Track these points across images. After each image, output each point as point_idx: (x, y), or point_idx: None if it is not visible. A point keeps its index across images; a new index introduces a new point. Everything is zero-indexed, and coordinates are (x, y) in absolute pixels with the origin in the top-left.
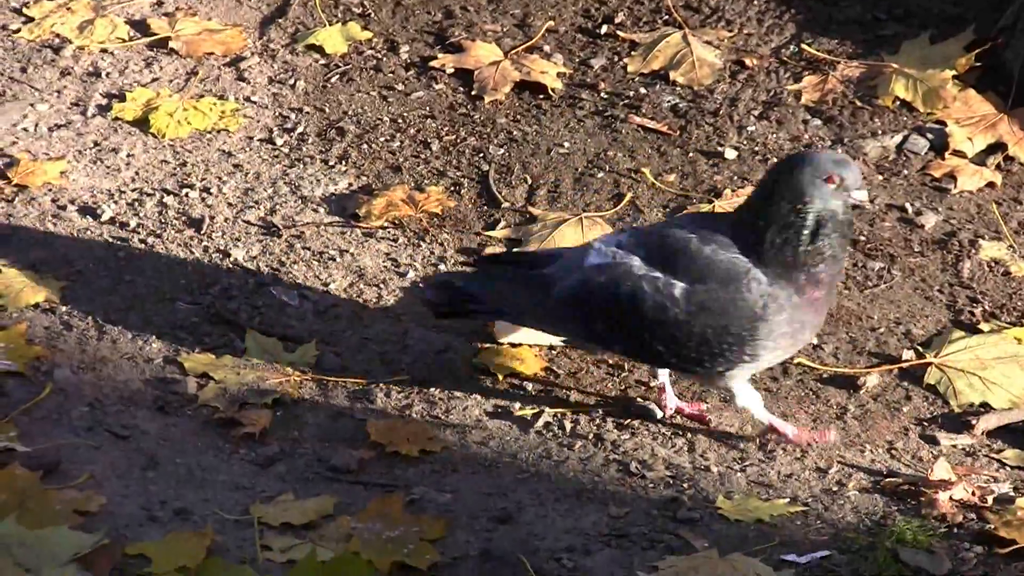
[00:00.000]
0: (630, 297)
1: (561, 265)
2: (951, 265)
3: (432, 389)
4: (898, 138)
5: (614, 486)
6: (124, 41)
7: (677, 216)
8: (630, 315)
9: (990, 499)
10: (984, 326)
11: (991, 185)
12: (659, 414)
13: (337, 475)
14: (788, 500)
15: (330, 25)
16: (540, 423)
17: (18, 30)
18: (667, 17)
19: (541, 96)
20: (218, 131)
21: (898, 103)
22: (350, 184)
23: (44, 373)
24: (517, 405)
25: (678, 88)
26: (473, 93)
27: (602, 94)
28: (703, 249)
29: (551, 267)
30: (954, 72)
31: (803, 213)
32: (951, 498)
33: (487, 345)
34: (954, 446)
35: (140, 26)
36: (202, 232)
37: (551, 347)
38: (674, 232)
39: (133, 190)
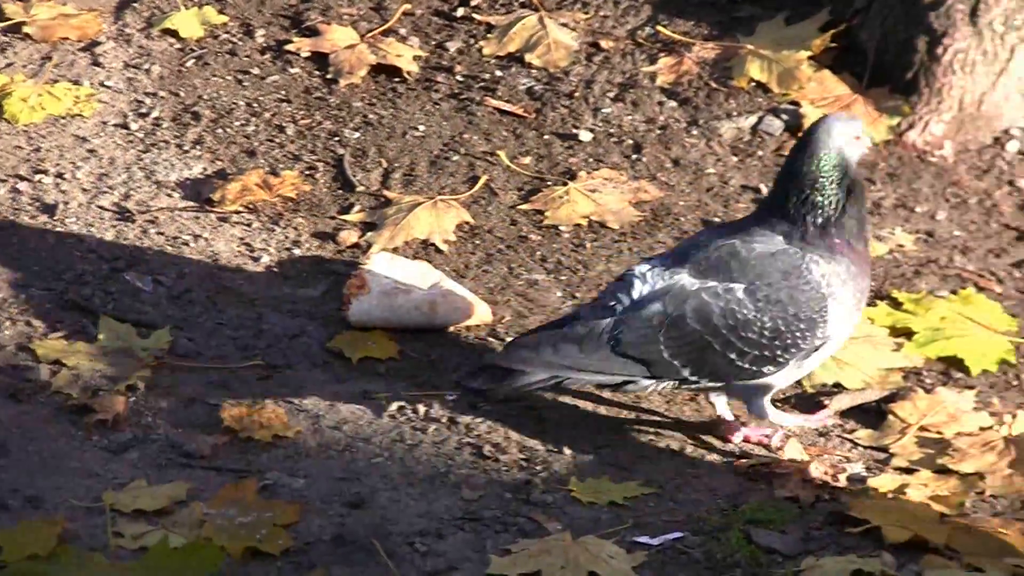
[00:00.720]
0: (697, 312)
1: (593, 311)
2: None
3: (286, 374)
4: (753, 119)
5: (467, 469)
6: None
7: (697, 233)
8: (698, 330)
9: (843, 479)
10: None
11: None
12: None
13: (190, 461)
14: (640, 482)
15: (185, 9)
16: (394, 407)
17: None
18: (520, 0)
19: (397, 79)
20: (72, 116)
21: (753, 84)
22: (204, 169)
23: None
24: (371, 389)
25: (534, 71)
26: (329, 77)
27: (458, 77)
28: (751, 247)
29: (584, 317)
30: (809, 53)
31: (824, 165)
32: (804, 478)
33: (341, 330)
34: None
35: None
36: (55, 218)
37: (406, 330)
38: (712, 242)
39: None
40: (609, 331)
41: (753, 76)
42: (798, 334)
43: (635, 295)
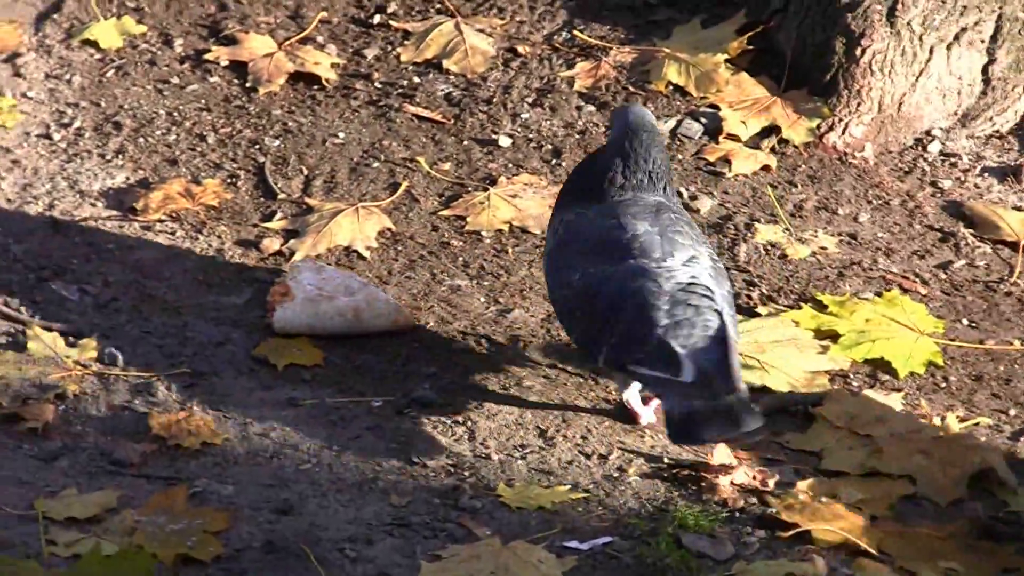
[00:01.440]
0: None
1: None
2: (728, 249)
3: (213, 381)
4: (672, 123)
5: (395, 475)
6: None
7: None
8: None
9: (771, 483)
10: (762, 309)
11: (766, 168)
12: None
13: (120, 469)
14: (569, 487)
15: (105, 20)
16: (320, 413)
17: None
18: (439, 6)
19: (316, 87)
20: None
21: (671, 88)
22: (127, 178)
23: None
24: (297, 396)
25: (452, 77)
26: (248, 85)
27: (376, 84)
28: None
29: None
30: (726, 56)
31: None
32: (732, 482)
33: (266, 337)
34: None
35: None
36: None
37: (331, 337)
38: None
39: None
40: None
41: (671, 79)
42: None
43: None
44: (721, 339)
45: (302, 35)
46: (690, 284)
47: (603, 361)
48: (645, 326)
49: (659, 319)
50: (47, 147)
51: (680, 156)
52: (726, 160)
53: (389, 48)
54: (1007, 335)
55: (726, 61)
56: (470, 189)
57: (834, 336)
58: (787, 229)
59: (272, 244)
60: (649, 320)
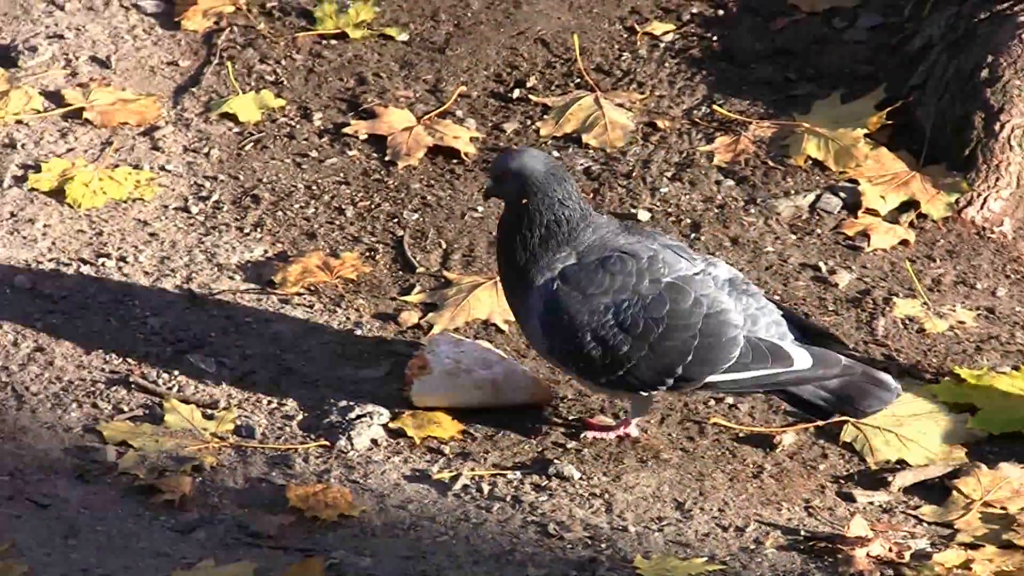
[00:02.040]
0: None
1: None
2: (865, 323)
3: (350, 454)
4: (811, 197)
5: (532, 548)
6: (39, 112)
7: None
8: None
9: (907, 555)
10: (900, 383)
11: (904, 243)
12: (576, 474)
13: (257, 540)
14: (706, 559)
15: (243, 93)
16: (458, 486)
17: None
18: (579, 80)
19: (455, 161)
20: (133, 200)
21: (810, 162)
22: (266, 251)
23: None
24: (435, 468)
25: (591, 151)
26: (387, 159)
27: None
28: None
29: None
30: (866, 131)
31: None
32: (868, 554)
33: (404, 410)
34: (871, 503)
35: (54, 97)
36: (119, 301)
37: (468, 410)
38: None
39: (50, 260)
40: None
41: (810, 154)
42: None
43: None
44: (792, 321)
45: (441, 109)
46: (732, 279)
47: (674, 383)
48: (727, 329)
49: (735, 319)
50: (185, 220)
51: (819, 230)
52: (865, 234)
53: (528, 122)
54: None
55: (865, 136)
56: None
57: (971, 409)
58: (925, 303)
59: (410, 317)
60: (728, 322)
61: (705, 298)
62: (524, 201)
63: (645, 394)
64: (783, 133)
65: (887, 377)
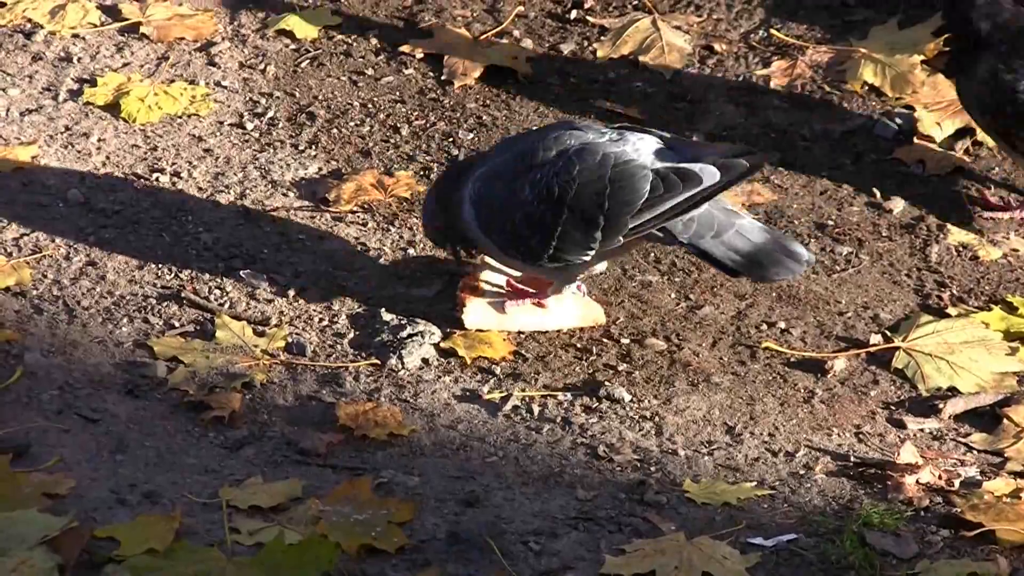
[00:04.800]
0: None
1: None
2: (919, 250)
3: (401, 373)
4: (866, 122)
5: (581, 469)
6: (95, 26)
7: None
8: None
9: (957, 483)
10: (952, 310)
11: (959, 170)
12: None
13: (306, 458)
14: (755, 483)
15: (300, 10)
16: (508, 407)
17: None
18: (636, 2)
19: (510, 81)
20: (189, 116)
21: (867, 88)
22: (320, 169)
23: (14, 357)
24: (485, 389)
25: (648, 73)
26: (443, 78)
27: (571, 79)
28: None
29: None
30: (923, 57)
31: None
32: (918, 482)
33: (455, 330)
34: (921, 430)
35: (111, 11)
36: (172, 216)
37: (519, 332)
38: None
39: (104, 174)
40: None
41: (867, 80)
42: None
43: None
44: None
45: (498, 29)
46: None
47: (602, 237)
48: (637, 170)
49: (643, 160)
50: (240, 136)
51: (874, 156)
52: (920, 161)
53: (585, 43)
54: None
55: (922, 62)
56: None
57: (1023, 338)
58: (979, 231)
59: None
60: (635, 164)
61: (612, 154)
62: None
63: (580, 262)
64: (840, 58)
65: (800, 248)
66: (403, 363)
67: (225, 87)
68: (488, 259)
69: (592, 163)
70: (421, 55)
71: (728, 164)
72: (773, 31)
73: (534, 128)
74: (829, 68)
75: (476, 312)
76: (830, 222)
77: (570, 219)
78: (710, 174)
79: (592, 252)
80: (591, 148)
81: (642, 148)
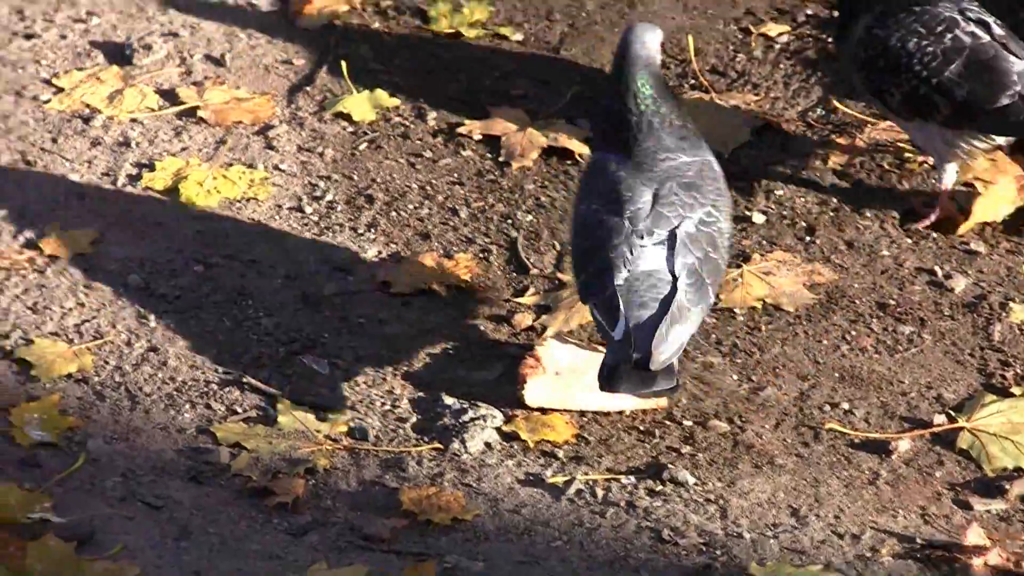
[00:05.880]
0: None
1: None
2: (982, 328)
3: (463, 457)
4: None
5: (647, 553)
6: (153, 111)
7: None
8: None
9: None
10: (1016, 389)
11: (1020, 248)
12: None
13: (370, 544)
14: (821, 567)
15: (358, 92)
16: (572, 490)
17: (48, 100)
18: (693, 81)
19: (568, 161)
20: (247, 200)
21: (926, 166)
22: (379, 252)
23: (77, 443)
24: (548, 472)
25: None
26: (501, 159)
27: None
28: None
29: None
30: None
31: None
32: (986, 563)
33: (517, 413)
34: (988, 511)
35: (169, 95)
36: (233, 301)
37: (581, 413)
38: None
39: (164, 259)
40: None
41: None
42: None
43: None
44: (663, 310)
45: (555, 109)
46: (652, 271)
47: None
48: (608, 278)
49: (618, 277)
50: (299, 220)
51: (934, 234)
52: (981, 239)
53: None
54: None
55: None
56: None
57: None
58: None
59: (524, 319)
60: (610, 275)
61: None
62: None
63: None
64: (899, 136)
65: (663, 380)
66: (466, 447)
67: (283, 170)
68: (548, 338)
69: None
70: (479, 136)
71: None
72: (836, 103)
73: None
74: (888, 145)
75: (538, 390)
76: (892, 301)
77: None
78: (620, 330)
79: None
80: None
81: None
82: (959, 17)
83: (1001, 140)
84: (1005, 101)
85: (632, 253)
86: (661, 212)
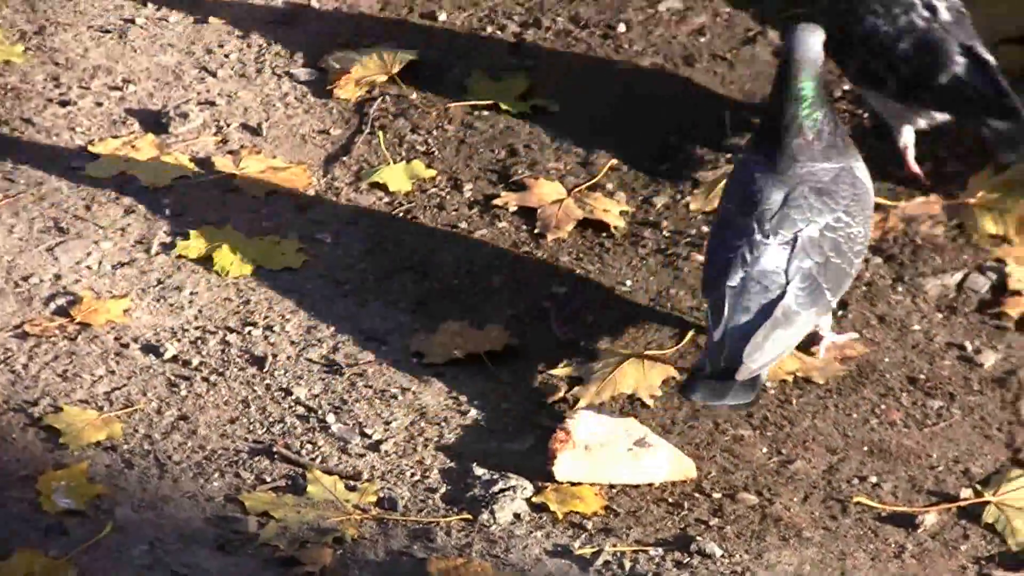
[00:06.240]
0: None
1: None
2: (1010, 404)
3: (492, 528)
4: (959, 276)
5: None
6: (188, 179)
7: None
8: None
9: None
10: None
11: None
12: (718, 552)
13: None
14: None
15: (394, 163)
16: (599, 562)
17: (82, 168)
18: (728, 156)
19: (604, 234)
20: (282, 269)
21: (960, 241)
22: (412, 322)
23: (105, 511)
24: (576, 544)
25: None
26: (536, 231)
27: (665, 232)
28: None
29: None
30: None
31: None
32: None
33: (547, 484)
34: None
35: (205, 164)
36: (264, 370)
37: (611, 486)
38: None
39: (196, 328)
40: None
41: (989, 230)
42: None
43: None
44: (763, 316)
45: (591, 182)
46: (767, 272)
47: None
48: (724, 278)
49: (733, 278)
50: (333, 290)
51: (966, 309)
52: (1011, 315)
53: (679, 196)
54: None
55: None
56: None
57: None
58: None
59: (556, 391)
60: (726, 274)
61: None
62: None
63: None
64: (932, 210)
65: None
66: (495, 518)
67: (319, 240)
68: (579, 410)
69: None
70: (514, 208)
71: None
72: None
73: None
74: (922, 220)
75: (567, 465)
76: (921, 376)
77: None
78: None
79: None
80: None
81: None
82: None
83: (945, 116)
84: (943, 80)
85: (752, 253)
86: (788, 214)
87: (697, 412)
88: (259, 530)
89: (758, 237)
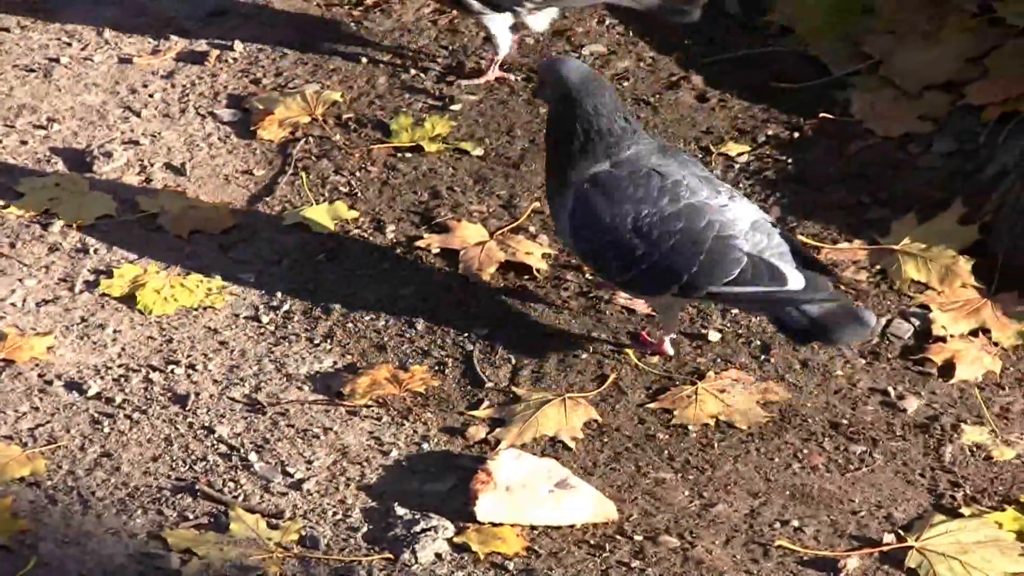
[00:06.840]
0: None
1: None
2: (933, 449)
3: (414, 568)
4: (882, 322)
5: None
6: (112, 218)
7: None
8: None
9: None
10: (965, 510)
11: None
12: None
13: None
14: None
15: (317, 204)
16: None
17: (7, 206)
18: None
19: (526, 276)
20: (204, 308)
21: (884, 287)
22: (335, 362)
23: (29, 547)
24: None
25: None
26: (459, 273)
27: (587, 275)
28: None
29: None
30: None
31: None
32: None
33: (468, 525)
34: None
35: (129, 203)
36: (187, 408)
37: (532, 527)
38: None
39: (119, 366)
40: None
41: (911, 276)
42: None
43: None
44: (798, 253)
45: (514, 225)
46: (755, 221)
47: (679, 290)
48: (731, 251)
49: (742, 244)
50: (255, 329)
51: (889, 355)
52: (934, 361)
53: None
54: None
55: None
56: (677, 382)
57: None
58: (993, 431)
59: (478, 432)
60: (734, 245)
61: (718, 222)
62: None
63: (660, 298)
64: (854, 257)
65: (868, 315)
66: (416, 557)
67: (241, 280)
68: (501, 452)
69: (697, 227)
70: (437, 249)
71: (814, 280)
72: (795, 223)
73: (663, 148)
74: (849, 265)
75: (489, 505)
76: (844, 421)
77: (658, 263)
78: (796, 279)
79: (664, 296)
80: (699, 210)
81: (743, 217)
82: None
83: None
84: None
85: (730, 215)
86: (708, 178)
87: (619, 455)
88: (182, 567)
89: (724, 199)
